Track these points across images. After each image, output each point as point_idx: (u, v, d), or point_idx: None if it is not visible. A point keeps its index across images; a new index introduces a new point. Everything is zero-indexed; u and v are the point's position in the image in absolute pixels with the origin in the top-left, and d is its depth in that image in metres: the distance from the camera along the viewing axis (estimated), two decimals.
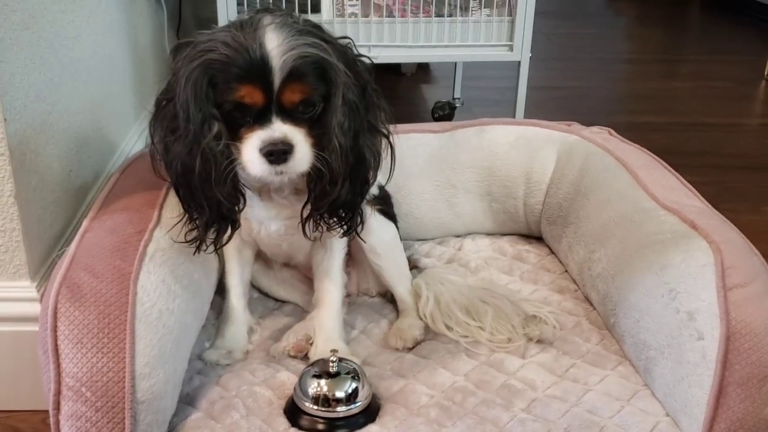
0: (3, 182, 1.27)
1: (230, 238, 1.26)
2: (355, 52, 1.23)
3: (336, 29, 2.11)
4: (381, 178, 1.31)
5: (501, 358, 1.37)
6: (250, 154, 1.14)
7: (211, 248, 1.26)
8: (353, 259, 1.52)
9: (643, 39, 4.94)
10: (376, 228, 1.43)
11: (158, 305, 1.17)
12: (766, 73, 3.76)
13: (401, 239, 1.56)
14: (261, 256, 1.50)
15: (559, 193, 1.69)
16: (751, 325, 1.13)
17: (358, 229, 1.30)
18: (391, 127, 1.27)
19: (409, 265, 1.56)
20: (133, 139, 1.99)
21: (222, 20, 2.13)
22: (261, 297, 1.57)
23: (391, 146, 1.27)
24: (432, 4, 2.28)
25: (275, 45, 1.11)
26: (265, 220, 1.33)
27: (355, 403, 1.20)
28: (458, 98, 3.05)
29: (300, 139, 1.14)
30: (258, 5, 2.16)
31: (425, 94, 3.45)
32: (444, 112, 3.02)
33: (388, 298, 1.55)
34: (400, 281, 1.50)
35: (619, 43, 4.83)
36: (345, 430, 1.19)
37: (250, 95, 1.12)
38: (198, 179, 1.15)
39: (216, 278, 1.45)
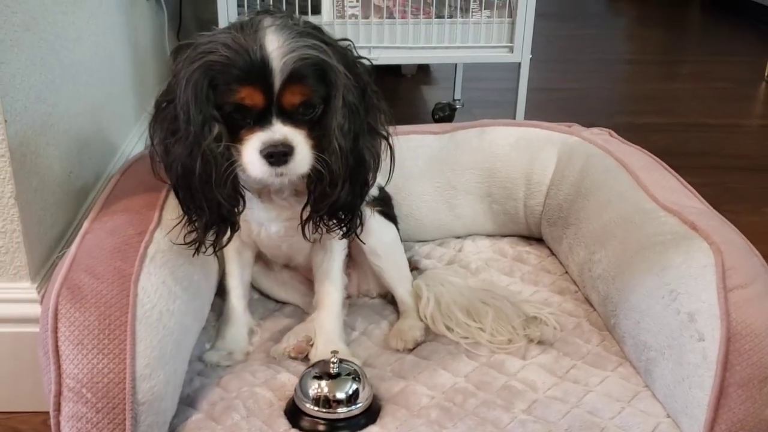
0: (3, 183, 1.27)
1: (229, 240, 1.26)
2: (355, 54, 1.23)
3: (336, 30, 2.11)
4: (380, 179, 1.31)
5: (501, 359, 1.37)
6: (251, 155, 1.14)
7: (210, 250, 1.26)
8: (354, 260, 1.52)
9: (643, 40, 4.94)
10: (376, 229, 1.43)
11: (159, 306, 1.17)
12: (766, 74, 3.76)
13: (402, 240, 1.56)
14: (261, 258, 1.50)
15: (560, 194, 1.69)
16: (752, 326, 1.13)
17: (358, 230, 1.31)
18: (391, 129, 1.27)
19: (410, 266, 1.56)
20: (134, 140, 1.99)
21: (222, 22, 2.13)
22: (261, 298, 1.57)
23: (391, 148, 1.27)
24: (432, 5, 2.28)
25: (275, 47, 1.11)
26: (265, 222, 1.33)
27: (355, 404, 1.20)
28: (458, 100, 3.06)
29: (300, 141, 1.14)
30: (258, 7, 2.16)
31: (425, 95, 3.46)
32: (444, 114, 3.02)
33: (389, 299, 1.55)
34: (400, 282, 1.50)
35: (619, 44, 4.83)
36: (346, 431, 1.19)
37: (251, 97, 1.12)
38: (198, 181, 1.15)
39: (216, 280, 1.45)
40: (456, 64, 3.01)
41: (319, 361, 1.25)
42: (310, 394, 1.19)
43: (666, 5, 5.77)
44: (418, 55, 2.38)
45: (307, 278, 1.52)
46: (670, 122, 3.17)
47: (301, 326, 1.43)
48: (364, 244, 1.40)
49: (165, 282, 1.21)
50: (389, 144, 1.26)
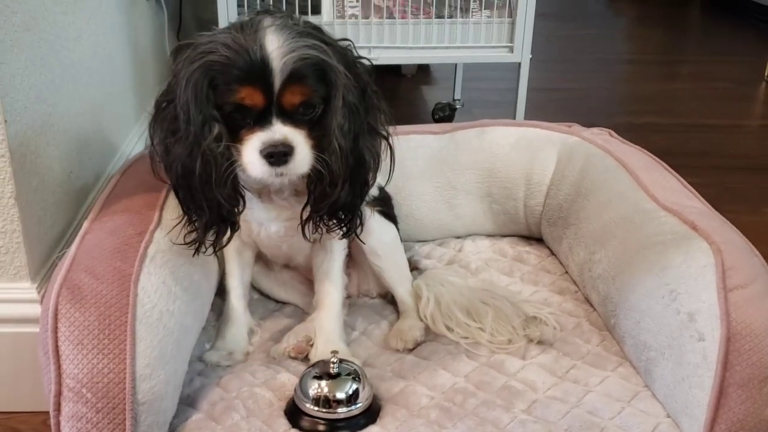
0: (4, 184, 1.27)
1: (229, 240, 1.26)
2: (355, 54, 1.23)
3: (336, 30, 2.11)
4: (380, 179, 1.31)
5: (501, 359, 1.37)
6: (251, 155, 1.14)
7: (210, 250, 1.26)
8: (354, 260, 1.52)
9: (643, 40, 4.94)
10: (376, 229, 1.43)
11: (159, 307, 1.17)
12: (766, 74, 3.76)
13: (402, 240, 1.56)
14: (261, 258, 1.50)
15: (560, 194, 1.69)
16: (752, 326, 1.13)
17: (358, 230, 1.31)
18: (391, 129, 1.27)
19: (410, 266, 1.56)
20: (134, 140, 1.99)
21: (222, 22, 2.13)
22: (261, 298, 1.57)
23: (391, 148, 1.27)
24: (432, 5, 2.28)
25: (275, 47, 1.11)
26: (265, 222, 1.33)
27: (355, 404, 1.20)
28: (458, 100, 3.06)
29: (300, 141, 1.14)
30: (258, 7, 2.16)
31: (425, 95, 3.46)
32: (444, 114, 3.02)
33: (389, 299, 1.55)
34: (400, 282, 1.50)
35: (619, 45, 4.83)
36: (346, 431, 1.19)
37: (251, 97, 1.12)
38: (198, 181, 1.15)
39: (216, 280, 1.45)
40: (456, 64, 3.01)
41: (319, 361, 1.25)
42: (310, 394, 1.19)
43: (666, 5, 5.77)
44: (418, 55, 2.38)
45: (307, 278, 1.52)
46: (670, 122, 3.17)
47: (301, 326, 1.43)
48: (364, 244, 1.40)
49: (165, 282, 1.21)
50: (389, 144, 1.26)
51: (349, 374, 1.22)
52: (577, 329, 1.46)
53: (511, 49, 2.35)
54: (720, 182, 2.49)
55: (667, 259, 1.29)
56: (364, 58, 1.25)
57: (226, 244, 1.29)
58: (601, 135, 1.74)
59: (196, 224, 1.21)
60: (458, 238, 1.81)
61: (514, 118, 2.40)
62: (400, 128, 1.41)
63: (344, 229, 1.28)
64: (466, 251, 1.75)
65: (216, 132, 1.14)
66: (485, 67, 2.96)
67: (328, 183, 1.18)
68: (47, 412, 1.11)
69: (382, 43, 2.29)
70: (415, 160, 1.74)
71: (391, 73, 3.61)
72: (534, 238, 1.81)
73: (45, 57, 1.40)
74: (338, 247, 1.39)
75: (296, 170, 1.16)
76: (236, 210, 1.21)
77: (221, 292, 1.45)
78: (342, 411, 1.19)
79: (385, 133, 1.25)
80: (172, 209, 1.31)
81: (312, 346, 1.37)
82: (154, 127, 1.19)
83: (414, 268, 1.59)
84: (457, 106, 3.05)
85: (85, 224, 1.30)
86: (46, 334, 1.10)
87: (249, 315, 1.45)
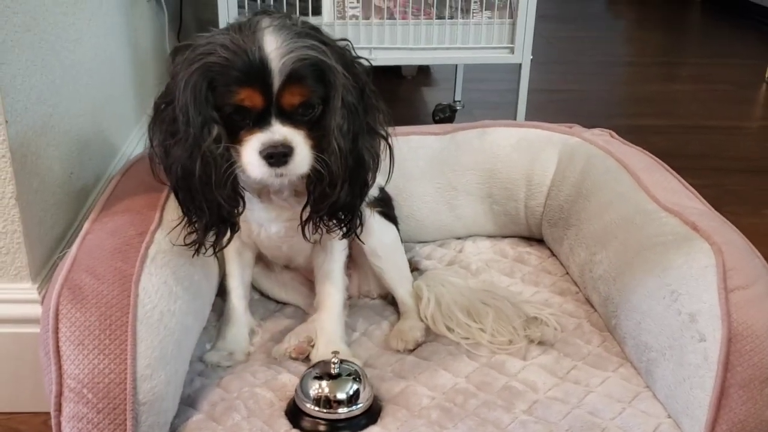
0: (4, 184, 1.27)
1: (229, 241, 1.26)
2: (354, 54, 1.23)
3: (337, 31, 2.11)
4: (380, 179, 1.31)
5: (502, 359, 1.37)
6: (250, 156, 1.14)
7: (211, 251, 1.26)
8: (354, 261, 1.52)
9: (642, 42, 4.94)
10: (376, 230, 1.43)
11: (159, 307, 1.17)
12: (766, 76, 3.76)
13: (402, 241, 1.56)
14: (262, 259, 1.50)
15: (561, 195, 1.69)
16: (753, 327, 1.13)
17: (358, 230, 1.30)
18: (390, 129, 1.27)
19: (410, 267, 1.56)
20: (134, 141, 1.99)
21: (223, 23, 2.14)
22: (262, 299, 1.57)
23: (390, 148, 1.27)
24: (433, 6, 2.28)
25: (274, 47, 1.11)
26: (265, 222, 1.33)
27: (356, 404, 1.20)
28: (459, 101, 3.06)
29: (300, 142, 1.14)
30: (259, 8, 2.16)
31: (426, 96, 3.46)
32: (445, 115, 3.02)
33: (389, 300, 1.55)
34: (401, 283, 1.50)
35: (619, 47, 4.84)
36: (346, 431, 1.19)
37: (250, 98, 1.12)
38: (198, 182, 1.15)
39: (217, 280, 1.45)
40: (456, 66, 3.01)
41: (319, 362, 1.25)
42: (311, 395, 1.19)
43: (665, 7, 5.77)
44: (419, 56, 2.38)
45: (308, 279, 1.52)
46: (670, 124, 3.17)
47: (302, 327, 1.43)
48: (364, 244, 1.40)
49: (166, 282, 1.21)
50: (388, 144, 1.26)
51: (349, 375, 1.22)
52: (577, 330, 1.46)
53: (512, 50, 2.35)
54: (720, 184, 2.49)
55: (668, 259, 1.29)
56: (363, 58, 1.25)
57: (226, 245, 1.29)
58: (602, 136, 1.74)
59: (196, 225, 1.21)
60: (459, 238, 1.81)
61: (515, 119, 2.40)
62: (401, 129, 1.41)
63: (344, 229, 1.28)
64: (467, 252, 1.75)
65: (215, 133, 1.14)
66: (485, 68, 2.96)
67: (328, 183, 1.18)
68: (48, 413, 1.11)
69: (382, 44, 2.29)
70: (416, 161, 1.74)
71: (391, 74, 3.61)
72: (535, 239, 1.81)
73: (46, 58, 1.40)
74: (339, 247, 1.39)
75: (296, 171, 1.16)
76: (236, 211, 1.21)
77: (222, 292, 1.45)
78: (343, 411, 1.19)
79: (384, 133, 1.25)
80: (173, 210, 1.31)
81: (313, 346, 1.37)
82: (153, 129, 1.19)
83: (414, 268, 1.59)
84: (458, 108, 3.05)
85: (86, 225, 1.30)
86: (47, 334, 1.10)
87: (250, 315, 1.45)
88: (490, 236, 1.82)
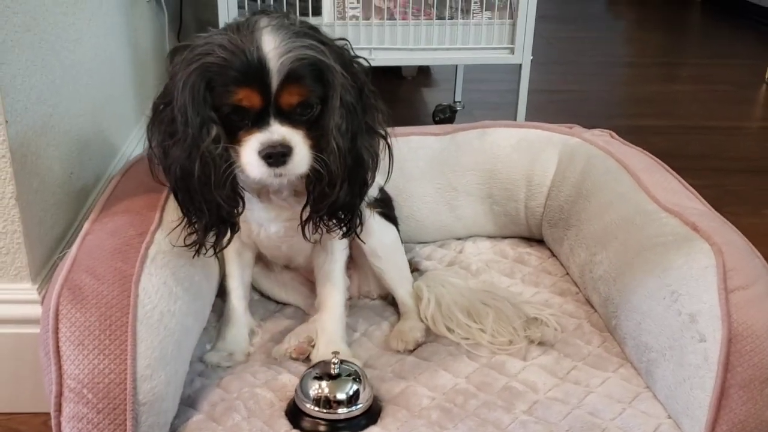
0: (4, 184, 1.27)
1: (229, 241, 1.26)
2: (352, 53, 1.23)
3: (337, 32, 2.11)
4: (380, 178, 1.31)
5: (502, 360, 1.37)
6: (249, 156, 1.14)
7: (211, 252, 1.26)
8: (354, 262, 1.52)
9: (643, 42, 4.94)
10: (376, 231, 1.43)
11: (159, 307, 1.17)
12: (766, 76, 3.76)
13: (402, 242, 1.56)
14: (262, 259, 1.50)
15: (561, 195, 1.69)
16: (753, 327, 1.13)
17: (358, 230, 1.30)
18: (389, 129, 1.26)
19: (410, 268, 1.56)
20: (134, 141, 1.99)
21: (223, 23, 2.13)
22: (262, 299, 1.56)
23: (389, 147, 1.27)
24: (433, 6, 2.28)
25: (272, 47, 1.11)
26: (265, 222, 1.33)
27: (356, 405, 1.20)
28: (459, 101, 3.06)
29: (298, 141, 1.14)
30: (259, 8, 2.16)
31: (426, 97, 3.46)
32: (445, 116, 3.02)
33: (389, 300, 1.55)
34: (401, 284, 1.50)
35: (619, 47, 4.84)
36: (346, 431, 1.19)
37: (248, 98, 1.12)
38: (197, 183, 1.15)
39: (217, 281, 1.45)
40: (456, 66, 3.01)
41: (319, 362, 1.25)
42: (311, 395, 1.19)
43: (665, 8, 5.77)
44: (419, 57, 2.38)
45: (308, 279, 1.52)
46: (670, 125, 3.17)
47: (302, 327, 1.43)
48: (365, 243, 1.40)
49: (166, 283, 1.21)
50: (387, 143, 1.26)
51: (349, 375, 1.22)
52: (578, 330, 1.46)
53: (512, 51, 2.35)
54: (720, 184, 2.49)
55: (668, 260, 1.29)
56: (361, 57, 1.24)
57: (226, 246, 1.28)
58: (602, 136, 1.74)
59: (195, 226, 1.21)
60: (459, 239, 1.81)
61: (515, 119, 2.40)
62: (401, 130, 1.41)
63: (344, 228, 1.28)
64: (467, 252, 1.75)
65: (214, 134, 1.14)
66: (485, 69, 2.96)
67: (327, 183, 1.18)
68: (48, 413, 1.11)
69: (382, 45, 2.29)
70: (416, 161, 1.74)
71: (391, 75, 3.61)
72: (535, 239, 1.81)
73: (46, 58, 1.40)
74: (339, 247, 1.39)
75: (295, 170, 1.16)
76: (236, 211, 1.21)
77: (222, 293, 1.44)
78: (343, 412, 1.19)
79: (383, 132, 1.25)
80: (173, 210, 1.31)
81: (313, 347, 1.37)
82: (151, 130, 1.19)
83: (415, 269, 1.59)
84: (458, 108, 3.05)
85: (86, 225, 1.30)
86: (47, 334, 1.10)
87: (250, 316, 1.44)
88: (490, 237, 1.81)
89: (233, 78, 1.11)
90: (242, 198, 1.21)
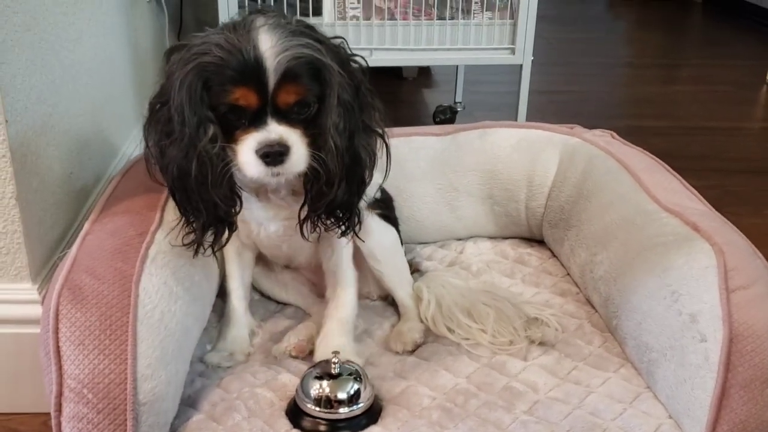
0: (4, 184, 1.27)
1: (228, 240, 1.26)
2: (348, 51, 1.23)
3: (337, 32, 2.10)
4: (378, 177, 1.31)
5: (503, 360, 1.36)
6: (246, 155, 1.14)
7: (210, 251, 1.26)
8: (355, 262, 1.51)
9: (643, 43, 4.95)
10: (375, 232, 1.43)
11: (160, 307, 1.17)
12: (767, 77, 3.76)
13: (403, 243, 1.56)
14: (262, 259, 1.50)
15: (561, 196, 1.69)
16: (754, 327, 1.13)
17: (356, 229, 1.30)
18: (387, 129, 1.26)
19: (411, 268, 1.55)
20: (134, 141, 1.99)
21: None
22: (262, 299, 1.56)
23: (387, 145, 1.26)
24: (434, 6, 2.28)
25: (269, 46, 1.10)
26: (264, 221, 1.33)
27: (357, 404, 1.20)
28: (460, 102, 3.06)
29: (296, 140, 1.14)
30: (259, 8, 2.16)
31: (426, 98, 3.46)
32: (445, 116, 3.02)
33: (389, 301, 1.55)
34: (400, 286, 1.49)
35: (619, 48, 4.84)
36: (347, 431, 1.19)
37: (245, 97, 1.12)
38: (194, 182, 1.15)
39: (218, 281, 1.45)
40: (457, 67, 3.01)
41: (320, 362, 1.25)
42: (312, 395, 1.19)
43: (666, 9, 5.77)
44: (420, 57, 2.38)
45: (309, 279, 1.52)
46: (670, 125, 3.17)
47: (302, 325, 1.43)
48: (363, 242, 1.39)
49: (166, 283, 1.20)
50: (385, 141, 1.26)
51: (350, 374, 1.21)
52: (578, 330, 1.46)
53: (513, 51, 2.35)
54: (721, 185, 2.49)
55: (669, 260, 1.29)
56: (358, 55, 1.24)
57: (224, 245, 1.28)
58: (603, 137, 1.73)
59: (193, 225, 1.21)
60: (459, 240, 1.81)
61: (516, 120, 2.40)
62: (402, 130, 1.40)
63: (342, 227, 1.27)
64: (468, 253, 1.75)
65: (211, 133, 1.14)
66: (486, 69, 2.96)
67: (325, 182, 1.18)
68: (48, 413, 1.11)
69: (383, 45, 2.29)
70: (417, 161, 1.73)
71: (392, 75, 3.61)
72: (535, 240, 1.80)
73: (45, 57, 1.40)
74: (344, 241, 1.38)
75: (292, 169, 1.15)
76: (233, 210, 1.21)
77: (222, 293, 1.44)
78: (343, 411, 1.19)
79: (380, 131, 1.25)
80: (173, 210, 1.31)
81: (314, 345, 1.36)
82: (148, 130, 1.18)
83: (415, 270, 1.59)
84: (459, 109, 3.05)
85: (86, 225, 1.30)
86: (47, 334, 1.10)
87: (250, 316, 1.44)
88: (490, 237, 1.81)
89: (230, 77, 1.11)
90: (239, 197, 1.21)
